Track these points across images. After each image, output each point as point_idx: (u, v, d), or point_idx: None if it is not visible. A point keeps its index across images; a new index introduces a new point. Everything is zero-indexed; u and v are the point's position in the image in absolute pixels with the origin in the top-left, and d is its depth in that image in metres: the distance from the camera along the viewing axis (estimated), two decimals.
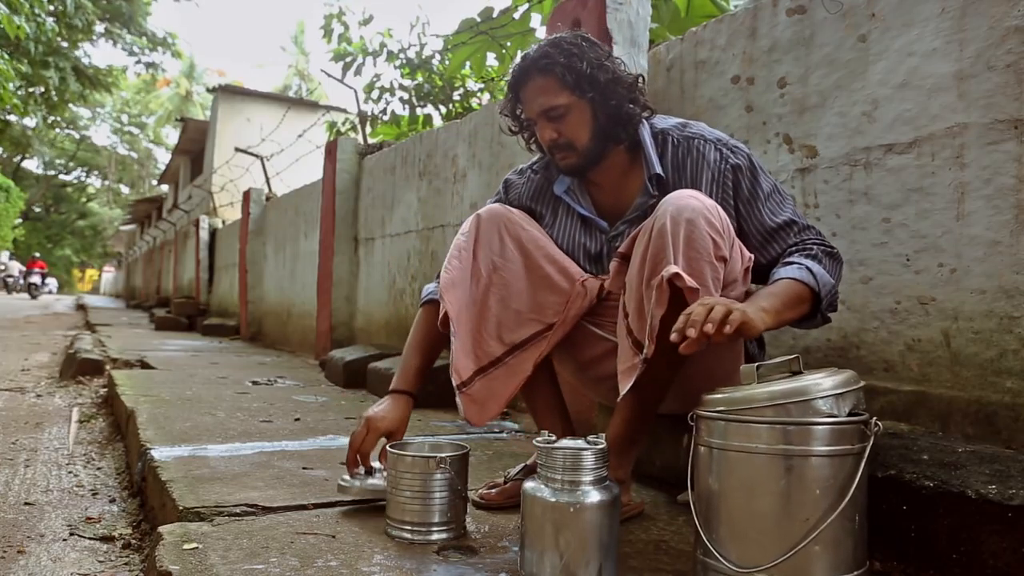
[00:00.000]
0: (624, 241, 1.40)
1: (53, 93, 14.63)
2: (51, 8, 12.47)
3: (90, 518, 1.76)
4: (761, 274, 1.42)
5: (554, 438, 1.16)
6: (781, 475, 1.01)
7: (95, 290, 47.35)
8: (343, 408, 2.93)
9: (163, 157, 36.29)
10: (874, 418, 1.03)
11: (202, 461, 1.86)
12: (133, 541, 1.61)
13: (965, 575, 1.10)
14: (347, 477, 1.51)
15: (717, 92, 2.15)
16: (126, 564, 1.48)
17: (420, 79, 5.64)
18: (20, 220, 29.44)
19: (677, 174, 1.48)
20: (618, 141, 1.49)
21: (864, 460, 1.01)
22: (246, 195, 7.64)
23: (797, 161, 1.90)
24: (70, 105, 17.69)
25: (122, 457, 2.40)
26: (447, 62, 5.26)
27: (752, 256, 1.38)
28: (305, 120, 9.62)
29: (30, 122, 21.40)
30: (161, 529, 1.32)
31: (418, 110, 5.74)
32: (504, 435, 2.46)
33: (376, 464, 1.51)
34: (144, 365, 4.43)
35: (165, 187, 23.51)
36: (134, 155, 39.86)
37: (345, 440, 2.23)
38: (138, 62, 17.68)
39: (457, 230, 1.57)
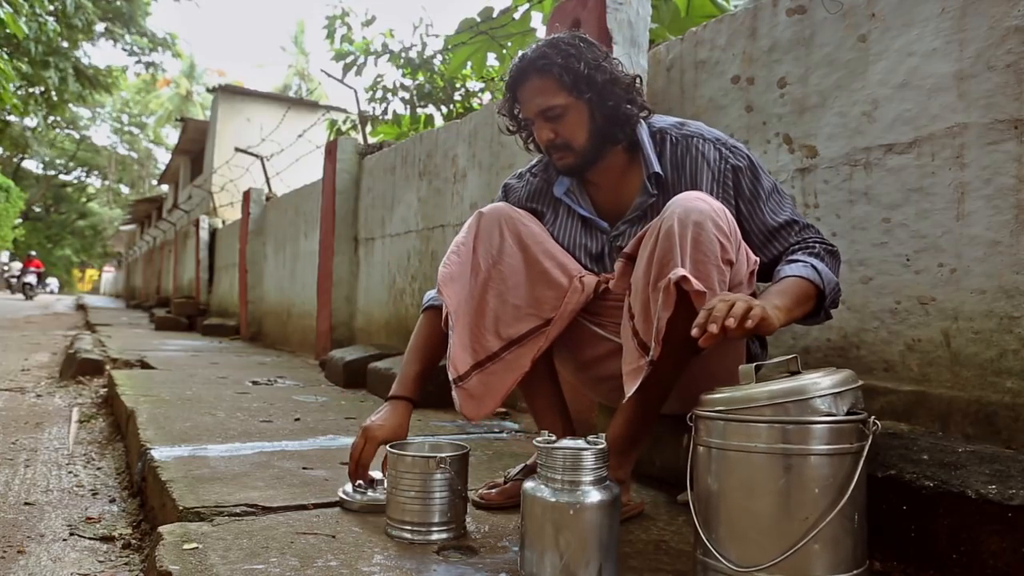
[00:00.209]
0: (629, 241, 1.40)
1: (53, 93, 14.63)
2: (51, 8, 12.48)
3: (90, 518, 1.76)
4: (762, 273, 1.43)
5: (554, 438, 1.16)
6: (780, 474, 1.01)
7: (95, 290, 47.36)
8: (343, 408, 2.93)
9: (163, 157, 36.31)
10: (872, 417, 1.03)
11: (202, 461, 1.86)
12: (133, 541, 1.62)
13: (965, 575, 1.11)
14: (349, 490, 1.52)
15: (717, 92, 2.15)
16: (126, 564, 1.48)
17: (421, 79, 5.64)
18: (20, 220, 29.43)
19: (676, 173, 1.48)
20: (616, 141, 1.50)
21: (863, 459, 1.01)
22: (246, 195, 7.64)
23: (797, 161, 1.90)
24: (70, 105, 17.69)
25: (122, 457, 2.40)
26: (448, 62, 5.27)
27: (758, 259, 1.38)
28: (305, 120, 9.63)
29: (30, 122, 21.39)
30: (161, 529, 1.32)
31: (419, 110, 5.75)
32: (504, 435, 2.46)
33: (377, 475, 1.51)
34: (144, 365, 4.43)
35: (165, 187, 23.52)
36: (134, 155, 39.87)
37: (345, 440, 2.24)
38: (138, 62, 17.69)
39: (457, 230, 1.57)
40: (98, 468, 2.27)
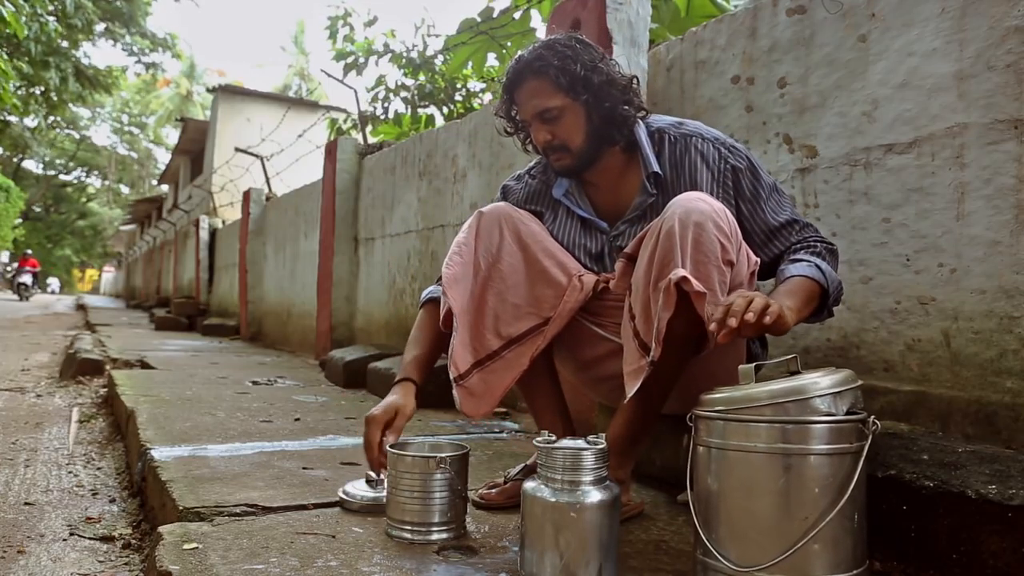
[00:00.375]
0: (630, 241, 1.40)
1: (53, 93, 14.64)
2: (51, 8, 12.48)
3: (90, 518, 1.76)
4: (761, 272, 1.43)
5: (554, 438, 1.16)
6: (780, 474, 1.01)
7: (95, 290, 47.38)
8: (343, 408, 2.93)
9: (163, 157, 36.31)
10: (872, 416, 1.03)
11: (202, 461, 1.86)
12: (133, 541, 1.62)
13: (965, 575, 1.11)
14: (350, 489, 1.52)
15: (717, 92, 2.15)
16: (126, 564, 1.48)
17: (422, 79, 5.65)
18: (20, 220, 29.43)
19: (675, 172, 1.48)
20: (613, 142, 1.50)
21: (862, 458, 1.01)
22: (246, 195, 7.64)
23: (797, 161, 1.90)
24: (70, 105, 17.69)
25: (122, 457, 2.40)
26: (449, 62, 5.27)
27: (758, 260, 1.39)
28: (305, 120, 9.63)
29: (30, 122, 21.37)
30: (161, 529, 1.32)
31: (420, 110, 5.75)
32: (504, 435, 2.46)
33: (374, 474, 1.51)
34: (144, 365, 4.43)
35: (165, 187, 23.52)
36: (134, 155, 39.88)
37: (345, 440, 2.24)
38: (138, 62, 17.71)
39: (457, 230, 1.57)
40: (98, 468, 2.27)
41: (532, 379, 1.55)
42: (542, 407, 1.61)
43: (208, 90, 17.28)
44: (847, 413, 1.03)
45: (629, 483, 1.49)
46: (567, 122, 1.46)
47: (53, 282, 37.85)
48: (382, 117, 5.87)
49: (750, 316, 1.08)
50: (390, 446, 1.40)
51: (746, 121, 2.05)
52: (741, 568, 1.02)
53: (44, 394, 3.68)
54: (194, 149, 17.28)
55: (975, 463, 1.20)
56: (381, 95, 5.79)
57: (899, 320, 1.65)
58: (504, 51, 4.04)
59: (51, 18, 12.03)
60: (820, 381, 1.04)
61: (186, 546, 1.23)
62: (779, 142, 1.95)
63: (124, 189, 41.83)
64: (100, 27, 15.82)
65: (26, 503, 1.86)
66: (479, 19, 3.95)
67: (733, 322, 1.09)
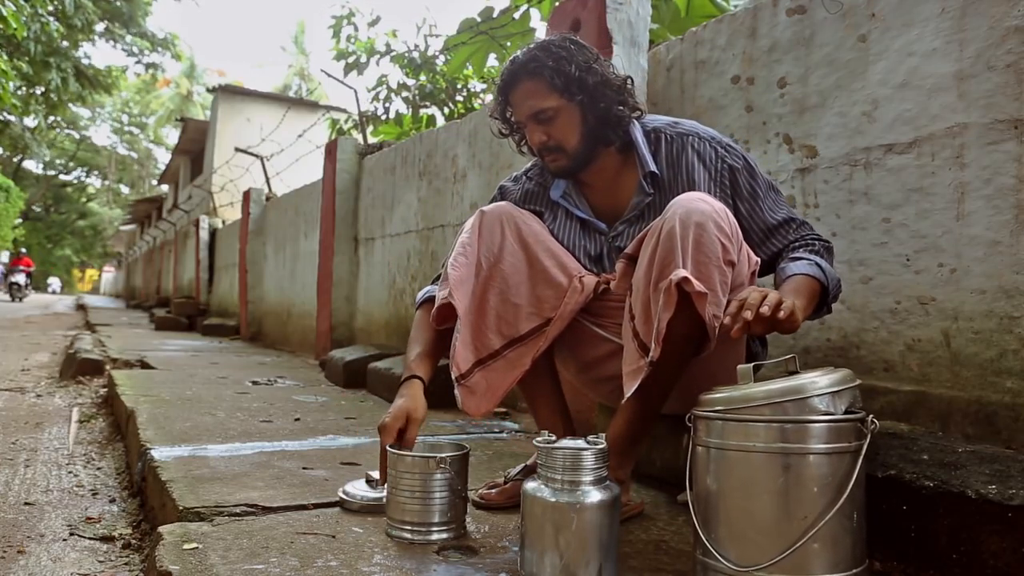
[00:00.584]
0: (629, 242, 1.40)
1: (53, 93, 14.64)
2: (51, 8, 12.48)
3: (90, 518, 1.76)
4: (759, 269, 1.43)
5: (554, 438, 1.16)
6: (779, 474, 1.01)
7: (95, 290, 47.39)
8: (343, 408, 2.93)
9: (163, 157, 36.32)
10: (870, 416, 1.03)
11: (202, 461, 1.86)
12: (133, 541, 1.62)
13: (965, 575, 1.11)
14: (350, 489, 1.52)
15: (717, 92, 2.15)
16: (126, 564, 1.48)
17: (423, 79, 5.65)
18: (20, 220, 29.42)
19: (672, 171, 1.48)
20: (608, 143, 1.50)
21: (861, 458, 1.01)
22: (246, 195, 7.64)
23: (797, 161, 1.90)
24: (70, 105, 17.70)
25: (122, 457, 2.40)
26: (449, 62, 5.27)
27: (759, 260, 1.39)
28: (305, 120, 9.63)
29: (30, 122, 21.36)
30: (161, 529, 1.32)
31: (421, 110, 5.75)
32: (504, 435, 2.46)
33: (376, 474, 1.51)
34: (144, 365, 4.43)
35: (165, 187, 23.52)
36: (134, 155, 39.89)
37: (345, 440, 2.24)
38: (138, 62, 17.72)
39: (457, 230, 1.57)
40: (98, 468, 2.27)
41: (533, 379, 1.55)
42: (542, 407, 1.61)
43: (208, 90, 17.28)
44: (846, 412, 1.03)
45: (629, 483, 1.49)
46: (562, 123, 1.46)
47: (53, 282, 37.87)
48: (383, 117, 5.87)
49: (765, 310, 1.09)
50: (389, 446, 1.40)
51: (746, 121, 2.05)
52: (741, 568, 1.02)
53: (44, 394, 3.68)
54: (194, 149, 17.28)
55: (975, 463, 1.20)
56: (383, 95, 5.79)
57: (899, 320, 1.65)
58: (504, 51, 4.04)
59: (51, 18, 12.03)
60: (818, 380, 1.04)
61: (186, 546, 1.23)
62: (779, 142, 1.95)
63: (124, 189, 41.85)
64: (100, 27, 15.83)
65: (26, 503, 1.86)
66: (479, 19, 3.95)
67: (748, 315, 1.09)
